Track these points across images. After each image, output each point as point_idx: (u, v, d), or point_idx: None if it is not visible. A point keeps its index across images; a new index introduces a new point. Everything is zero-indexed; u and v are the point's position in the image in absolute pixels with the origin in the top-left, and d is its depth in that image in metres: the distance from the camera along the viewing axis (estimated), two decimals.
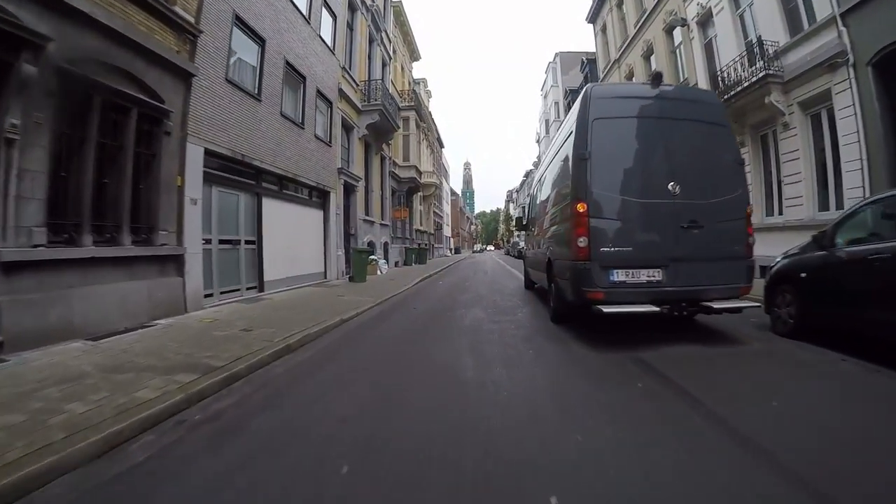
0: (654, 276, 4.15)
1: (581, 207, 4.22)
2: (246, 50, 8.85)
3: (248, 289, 8.52)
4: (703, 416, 2.51)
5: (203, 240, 7.25)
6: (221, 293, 7.78)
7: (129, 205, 5.97)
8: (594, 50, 22.14)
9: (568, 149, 4.82)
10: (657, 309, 3.98)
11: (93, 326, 5.20)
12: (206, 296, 7.36)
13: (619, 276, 4.15)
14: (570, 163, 4.58)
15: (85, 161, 5.38)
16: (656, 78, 4.50)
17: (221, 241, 7.84)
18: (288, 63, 10.18)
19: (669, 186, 4.18)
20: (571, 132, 4.70)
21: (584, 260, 4.16)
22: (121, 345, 4.72)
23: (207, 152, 7.30)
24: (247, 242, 8.52)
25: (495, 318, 6.11)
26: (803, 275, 4.26)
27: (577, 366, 3.69)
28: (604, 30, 19.67)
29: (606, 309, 3.97)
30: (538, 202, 7.83)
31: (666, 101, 4.45)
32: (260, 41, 9.15)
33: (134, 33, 5.92)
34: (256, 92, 8.92)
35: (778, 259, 4.78)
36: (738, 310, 4.14)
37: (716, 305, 4.02)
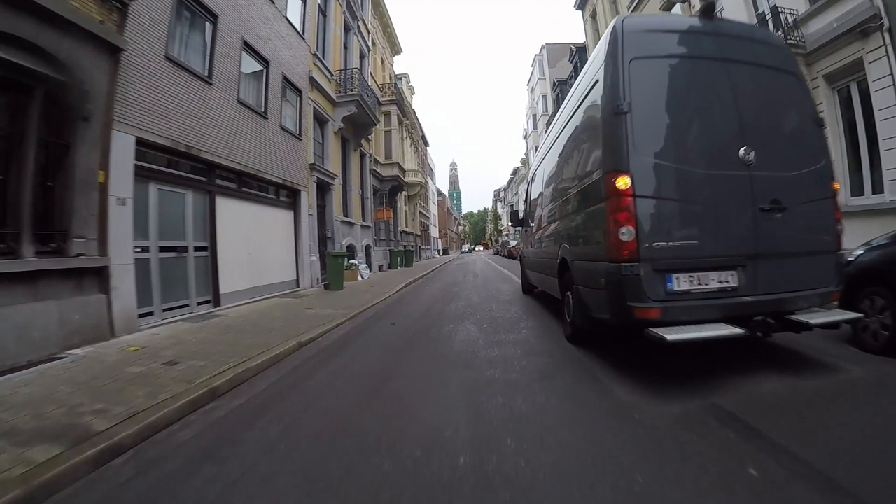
0: (727, 282, 2.94)
1: (622, 182, 2.95)
2: (193, 26, 7.59)
3: (200, 303, 7.24)
4: None
5: (137, 247, 5.99)
6: (165, 310, 6.51)
7: (32, 207, 4.76)
8: (584, 39, 21.20)
9: (593, 104, 3.60)
10: (740, 331, 2.76)
11: None
12: (144, 315, 6.10)
13: (680, 282, 2.91)
14: (600, 122, 3.34)
15: None
16: (707, 9, 3.30)
17: (163, 249, 6.57)
18: (247, 44, 8.93)
19: (741, 152, 3.00)
20: (597, 81, 3.47)
21: (630, 261, 2.92)
22: (3, 390, 3.52)
23: (141, 142, 6.05)
24: (197, 249, 7.24)
25: (494, 338, 4.80)
26: None
27: (634, 430, 2.32)
28: (594, 15, 18.71)
29: (671, 336, 2.67)
30: (539, 190, 6.56)
31: (723, 39, 3.27)
32: (211, 17, 7.90)
33: None
34: (207, 74, 7.66)
35: (858, 252, 3.68)
36: (838, 325, 3.02)
37: (813, 321, 2.86)
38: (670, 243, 2.95)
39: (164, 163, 6.69)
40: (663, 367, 3.31)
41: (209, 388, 3.25)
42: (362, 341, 5.12)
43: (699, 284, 2.93)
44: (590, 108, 3.72)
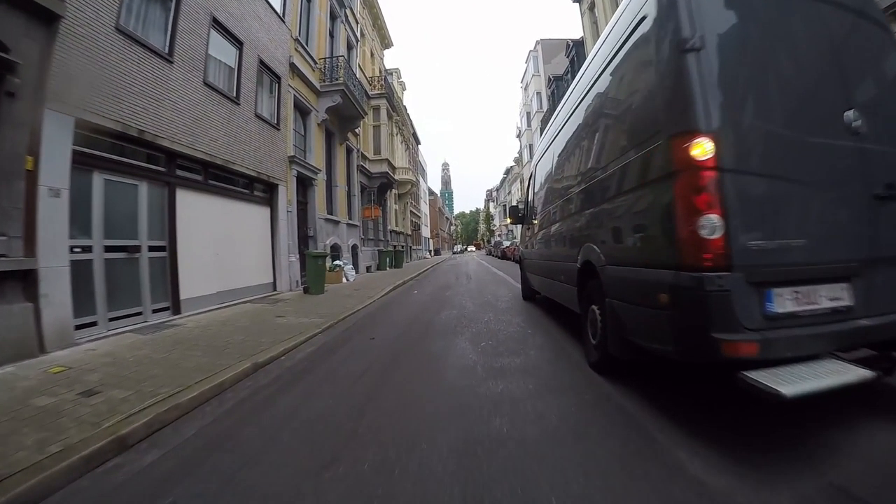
0: (839, 298, 2.09)
1: (700, 149, 2.02)
2: None
3: (156, 311, 6.38)
4: None
5: (76, 247, 5.14)
6: (111, 320, 5.64)
7: None
8: (581, 34, 20.53)
9: (639, 48, 2.67)
10: (870, 373, 1.90)
11: None
12: (86, 325, 5.26)
13: (784, 301, 2.02)
14: (655, 69, 2.40)
15: None
16: None
17: (110, 248, 5.70)
18: (216, 21, 8.06)
19: (848, 116, 2.21)
20: (643, 18, 2.53)
21: (717, 269, 1.98)
22: None
23: (81, 124, 5.19)
24: (152, 249, 6.36)
25: (496, 363, 3.81)
26: None
27: None
28: (591, 7, 18.01)
29: (789, 389, 1.76)
30: (546, 181, 5.62)
31: None
32: None
33: None
34: (167, 51, 6.79)
35: None
36: None
37: None
38: (772, 242, 2.03)
39: (112, 149, 5.82)
40: (732, 414, 2.41)
41: (116, 435, 2.43)
42: (331, 363, 4.19)
43: (807, 303, 2.05)
44: (634, 55, 2.78)
